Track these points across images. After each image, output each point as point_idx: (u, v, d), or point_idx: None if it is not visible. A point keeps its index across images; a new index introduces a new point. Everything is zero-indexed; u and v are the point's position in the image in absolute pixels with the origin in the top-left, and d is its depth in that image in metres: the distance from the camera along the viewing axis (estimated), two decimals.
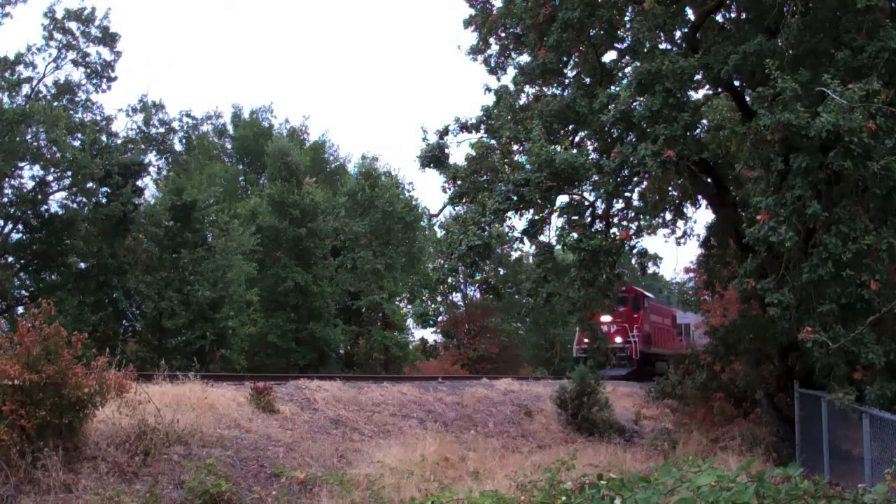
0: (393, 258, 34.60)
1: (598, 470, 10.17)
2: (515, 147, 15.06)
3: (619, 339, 31.31)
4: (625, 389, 25.87)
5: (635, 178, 14.33)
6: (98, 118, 31.30)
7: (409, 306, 40.41)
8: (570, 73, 16.39)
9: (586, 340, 30.32)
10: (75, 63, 30.68)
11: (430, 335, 43.84)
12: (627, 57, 15.71)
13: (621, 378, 29.64)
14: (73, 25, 30.33)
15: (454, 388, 19.55)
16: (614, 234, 15.05)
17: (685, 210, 19.29)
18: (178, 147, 37.22)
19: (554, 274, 14.28)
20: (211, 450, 11.08)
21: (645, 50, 14.17)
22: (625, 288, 30.92)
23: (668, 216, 19.30)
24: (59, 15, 30.08)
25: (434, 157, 15.40)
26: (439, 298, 42.48)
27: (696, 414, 17.46)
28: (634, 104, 13.19)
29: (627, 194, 15.08)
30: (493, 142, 15.44)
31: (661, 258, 15.10)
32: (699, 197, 18.32)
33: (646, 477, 8.43)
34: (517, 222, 14.52)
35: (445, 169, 15.38)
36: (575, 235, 13.91)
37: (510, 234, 14.70)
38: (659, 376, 34.78)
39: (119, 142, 31.15)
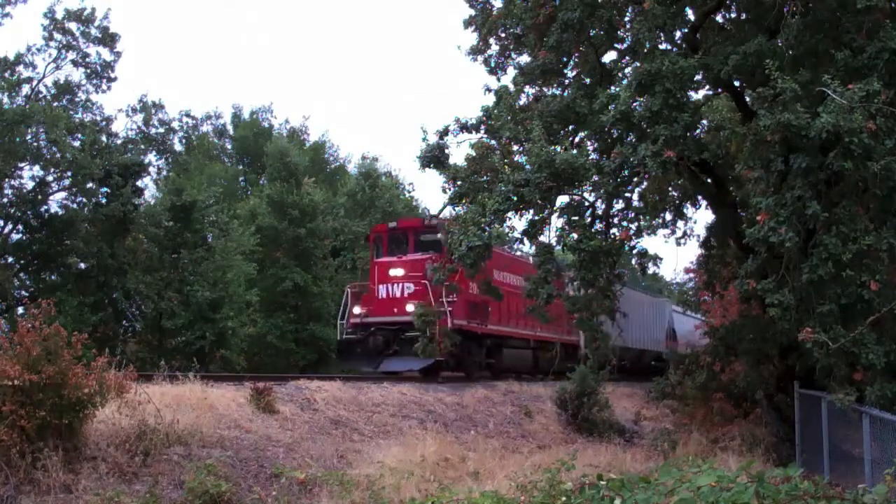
0: None
1: (598, 470, 10.17)
2: (515, 147, 15.05)
3: (411, 308, 18.84)
4: (625, 390, 25.83)
5: (635, 179, 14.32)
6: (98, 118, 31.31)
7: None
8: (570, 74, 16.39)
9: (358, 311, 20.73)
10: (75, 63, 30.69)
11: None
12: (627, 57, 15.70)
13: (414, 374, 19.86)
14: (72, 26, 30.33)
15: (454, 388, 19.54)
16: (614, 234, 15.04)
17: (685, 210, 19.35)
18: (178, 147, 37.20)
19: (555, 275, 14.27)
20: (211, 450, 11.08)
21: (645, 50, 14.17)
22: (434, 220, 20.38)
23: (668, 216, 19.36)
24: (59, 15, 30.09)
25: (434, 158, 15.39)
26: None
27: (696, 414, 17.47)
28: (634, 104, 13.19)
29: (627, 195, 15.07)
30: (493, 142, 15.43)
31: (661, 258, 15.09)
32: (699, 197, 18.33)
33: (646, 477, 8.43)
34: (517, 223, 14.52)
35: (445, 169, 15.37)
36: (575, 236, 13.90)
37: (510, 235, 14.70)
38: (507, 372, 23.38)
39: (119, 142, 31.17)
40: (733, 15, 15.98)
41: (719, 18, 15.91)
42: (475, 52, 16.86)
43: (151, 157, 33.96)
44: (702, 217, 59.80)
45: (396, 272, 20.81)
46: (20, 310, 24.90)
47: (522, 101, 16.10)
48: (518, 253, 29.16)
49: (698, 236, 20.06)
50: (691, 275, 23.86)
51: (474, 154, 15.41)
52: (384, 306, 20.71)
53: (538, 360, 25.74)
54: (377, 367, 19.98)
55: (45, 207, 27.73)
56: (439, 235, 19.58)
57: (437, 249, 20.07)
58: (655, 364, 32.31)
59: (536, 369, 25.42)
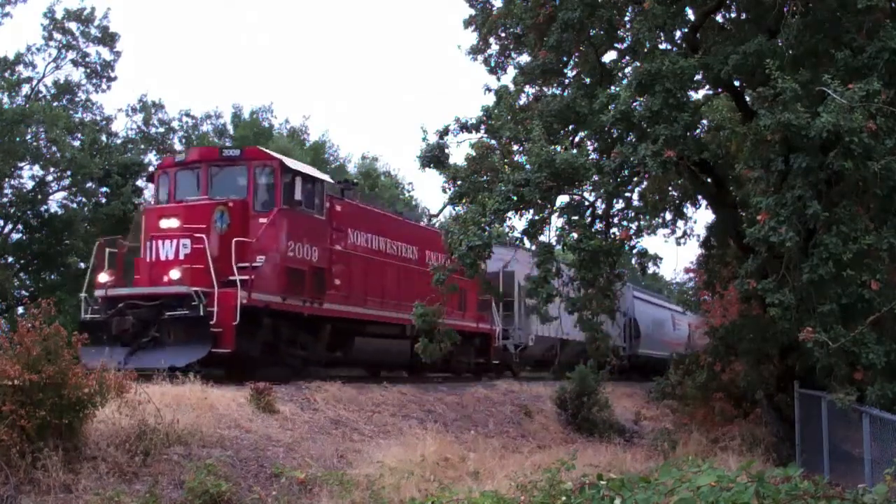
0: None
1: (598, 470, 10.17)
2: (515, 147, 15.07)
3: (176, 275, 13.80)
4: (625, 390, 25.79)
5: (635, 178, 14.34)
6: (98, 118, 31.36)
7: None
8: (570, 74, 16.41)
9: (104, 279, 14.50)
10: (75, 63, 30.75)
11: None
12: (627, 57, 15.72)
13: (180, 370, 12.76)
14: (72, 25, 30.38)
15: (454, 388, 19.54)
16: (614, 234, 15.05)
17: (685, 210, 19.36)
18: (178, 147, 37.24)
19: (555, 275, 14.27)
20: (211, 450, 11.08)
21: (645, 50, 14.18)
22: (241, 149, 16.23)
23: (668, 216, 19.37)
24: (59, 15, 30.14)
25: (434, 158, 15.40)
26: None
27: (696, 414, 17.46)
28: (634, 104, 13.20)
29: (627, 194, 15.11)
30: (493, 142, 15.45)
31: (661, 258, 15.11)
32: (699, 197, 18.34)
33: (646, 477, 8.44)
34: (517, 222, 14.53)
35: (445, 169, 15.38)
36: (575, 235, 13.92)
37: (510, 234, 14.70)
38: (365, 368, 18.67)
39: (119, 141, 31.24)
40: (733, 15, 16.00)
41: (719, 18, 15.93)
42: (475, 51, 16.88)
43: (151, 157, 34.05)
44: (702, 217, 59.89)
45: (170, 223, 14.31)
46: (20, 309, 24.93)
47: (522, 100, 16.12)
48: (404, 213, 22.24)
49: (698, 236, 20.10)
50: (691, 275, 23.85)
51: (474, 154, 15.43)
52: (150, 272, 14.43)
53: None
54: (125, 361, 13.09)
55: (45, 207, 27.82)
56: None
57: (241, 193, 15.21)
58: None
59: (420, 366, 19.17)
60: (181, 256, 14.10)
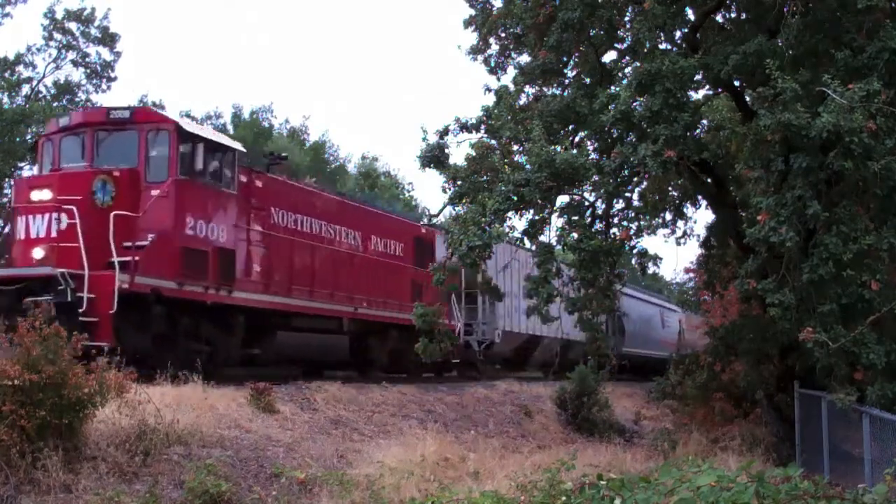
0: None
1: (598, 470, 10.17)
2: (515, 147, 15.07)
3: (40, 254, 12.14)
4: (625, 390, 25.80)
5: (635, 179, 14.35)
6: None
7: None
8: (570, 74, 16.41)
9: None
10: (75, 63, 30.83)
11: None
12: (627, 57, 15.73)
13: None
14: (72, 26, 30.43)
15: (454, 388, 19.55)
16: (614, 234, 15.06)
17: (685, 210, 19.37)
18: None
19: (556, 275, 14.28)
20: (211, 450, 11.08)
21: (645, 50, 14.19)
22: (131, 111, 14.01)
23: (668, 216, 19.39)
24: (59, 15, 30.20)
25: (434, 158, 15.40)
26: None
27: (696, 414, 17.47)
28: (634, 104, 13.20)
29: (627, 194, 15.12)
30: (493, 142, 15.45)
31: (661, 258, 15.12)
32: (699, 197, 18.35)
33: (646, 477, 8.44)
34: (517, 222, 14.54)
35: (445, 169, 15.38)
36: (575, 236, 13.92)
37: (510, 234, 14.70)
38: (291, 364, 15.96)
39: None
40: (733, 15, 16.00)
41: (719, 18, 15.93)
42: (475, 51, 16.88)
43: None
44: (702, 217, 59.84)
45: (41, 195, 12.52)
46: None
47: (522, 100, 16.11)
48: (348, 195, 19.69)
49: (698, 236, 20.12)
50: (691, 275, 23.85)
51: (474, 154, 15.42)
52: (16, 252, 12.73)
53: (365, 350, 17.77)
54: None
55: None
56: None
57: (131, 161, 13.30)
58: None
59: (366, 364, 17.96)
60: (53, 233, 12.19)
